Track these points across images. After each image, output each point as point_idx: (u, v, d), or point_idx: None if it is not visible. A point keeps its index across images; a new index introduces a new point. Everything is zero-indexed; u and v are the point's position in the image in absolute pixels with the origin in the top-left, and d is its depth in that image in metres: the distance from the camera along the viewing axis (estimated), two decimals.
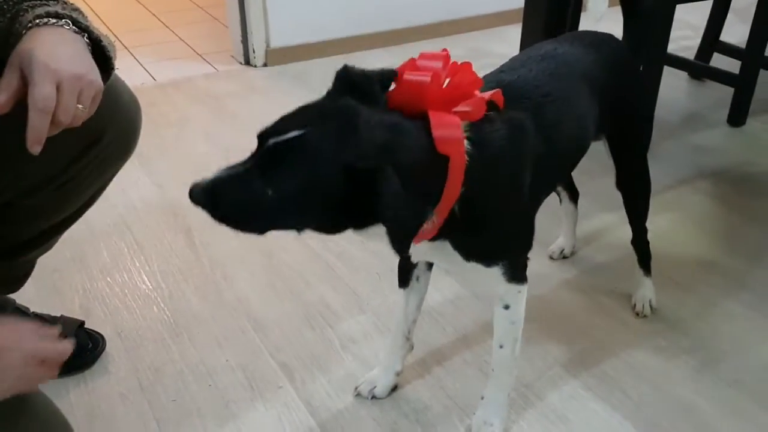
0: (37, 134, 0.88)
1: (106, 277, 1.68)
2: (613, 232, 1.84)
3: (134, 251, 1.78)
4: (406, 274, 1.28)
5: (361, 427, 1.28)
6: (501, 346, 1.19)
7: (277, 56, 3.02)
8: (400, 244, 0.88)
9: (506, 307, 1.15)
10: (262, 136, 0.88)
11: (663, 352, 1.46)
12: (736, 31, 2.84)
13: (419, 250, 1.04)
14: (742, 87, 2.44)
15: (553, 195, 1.63)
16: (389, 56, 3.04)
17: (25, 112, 0.87)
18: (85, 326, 1.44)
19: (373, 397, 1.33)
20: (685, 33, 3.15)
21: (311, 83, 2.84)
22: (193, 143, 2.33)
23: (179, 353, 1.45)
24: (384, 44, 3.19)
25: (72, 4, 0.99)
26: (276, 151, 0.86)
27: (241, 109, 2.66)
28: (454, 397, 1.34)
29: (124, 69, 2.88)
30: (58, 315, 1.41)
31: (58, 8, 0.95)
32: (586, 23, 2.09)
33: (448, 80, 0.97)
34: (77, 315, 1.47)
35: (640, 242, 1.55)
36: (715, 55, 2.77)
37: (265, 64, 3.03)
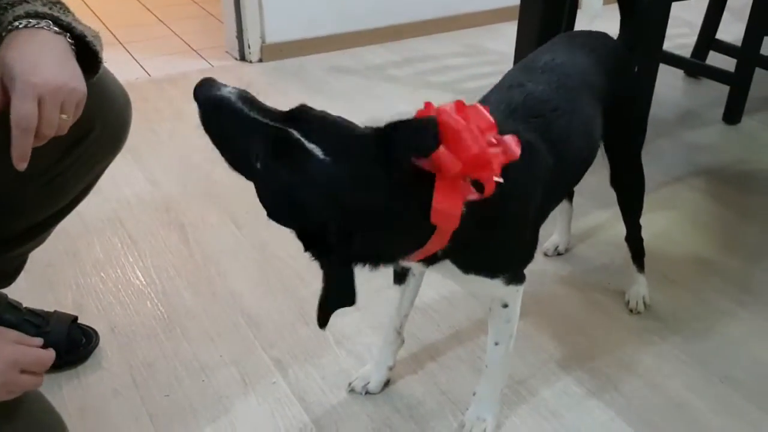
0: (21, 152, 0.88)
1: (100, 272, 1.67)
2: (608, 230, 1.85)
3: (128, 246, 1.77)
4: (401, 273, 1.27)
5: (355, 422, 1.28)
6: (496, 343, 1.19)
7: (273, 52, 3.01)
8: (322, 318, 0.92)
9: (505, 305, 1.15)
10: (300, 118, 0.85)
11: (656, 349, 1.46)
12: (732, 29, 2.84)
13: (415, 265, 1.04)
14: (738, 85, 2.45)
15: None
16: (385, 52, 3.03)
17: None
18: (79, 321, 1.43)
19: (367, 393, 1.33)
20: (681, 31, 3.15)
21: (307, 79, 2.83)
22: (187, 139, 2.32)
23: (172, 348, 1.45)
24: (380, 40, 3.18)
25: None
26: (290, 144, 0.84)
27: None
28: (447, 392, 1.34)
29: (119, 64, 2.88)
30: (51, 310, 1.41)
31: (38, 6, 0.94)
32: (581, 21, 2.09)
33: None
34: (70, 310, 1.46)
35: (634, 239, 1.55)
36: (711, 53, 2.77)
37: (260, 60, 3.02)
